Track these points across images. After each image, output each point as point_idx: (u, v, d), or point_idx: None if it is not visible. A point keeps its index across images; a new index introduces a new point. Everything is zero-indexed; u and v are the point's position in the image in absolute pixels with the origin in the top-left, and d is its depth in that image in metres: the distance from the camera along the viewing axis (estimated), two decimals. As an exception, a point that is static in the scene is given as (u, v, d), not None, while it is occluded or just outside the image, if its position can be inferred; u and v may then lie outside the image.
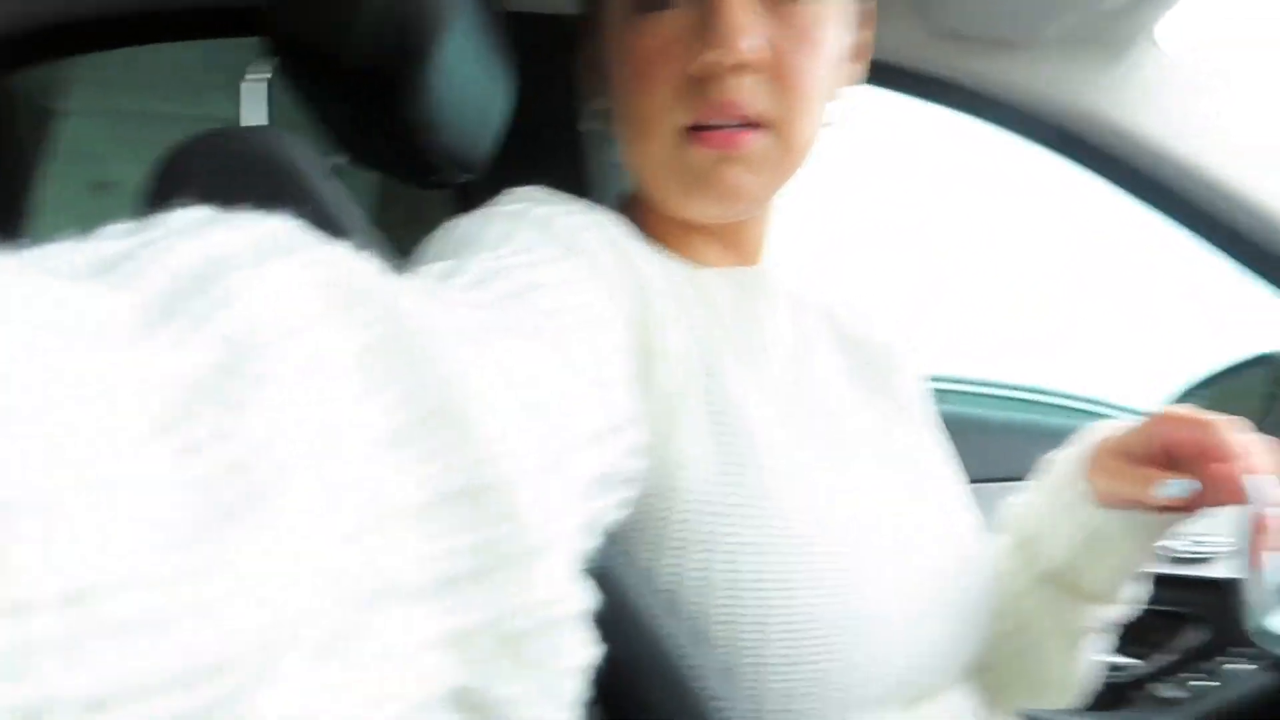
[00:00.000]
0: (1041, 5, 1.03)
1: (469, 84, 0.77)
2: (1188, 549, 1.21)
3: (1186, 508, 0.62)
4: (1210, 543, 1.21)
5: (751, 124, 0.58)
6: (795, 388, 0.67)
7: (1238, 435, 0.59)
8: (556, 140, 1.27)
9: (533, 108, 1.21)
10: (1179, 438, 0.61)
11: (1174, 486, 0.60)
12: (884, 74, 1.19)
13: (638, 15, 0.60)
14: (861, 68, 0.69)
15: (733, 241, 0.69)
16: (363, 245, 0.57)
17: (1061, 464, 0.70)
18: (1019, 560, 0.73)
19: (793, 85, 0.58)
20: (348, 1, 0.65)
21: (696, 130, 0.59)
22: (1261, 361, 1.31)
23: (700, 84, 0.58)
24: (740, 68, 0.56)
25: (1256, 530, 0.56)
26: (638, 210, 0.69)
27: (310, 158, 0.60)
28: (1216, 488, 0.59)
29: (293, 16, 0.66)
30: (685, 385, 0.57)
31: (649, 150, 0.61)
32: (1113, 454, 0.66)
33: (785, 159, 0.61)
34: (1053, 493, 0.70)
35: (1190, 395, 1.46)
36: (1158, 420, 0.63)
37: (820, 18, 0.59)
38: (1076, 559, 0.68)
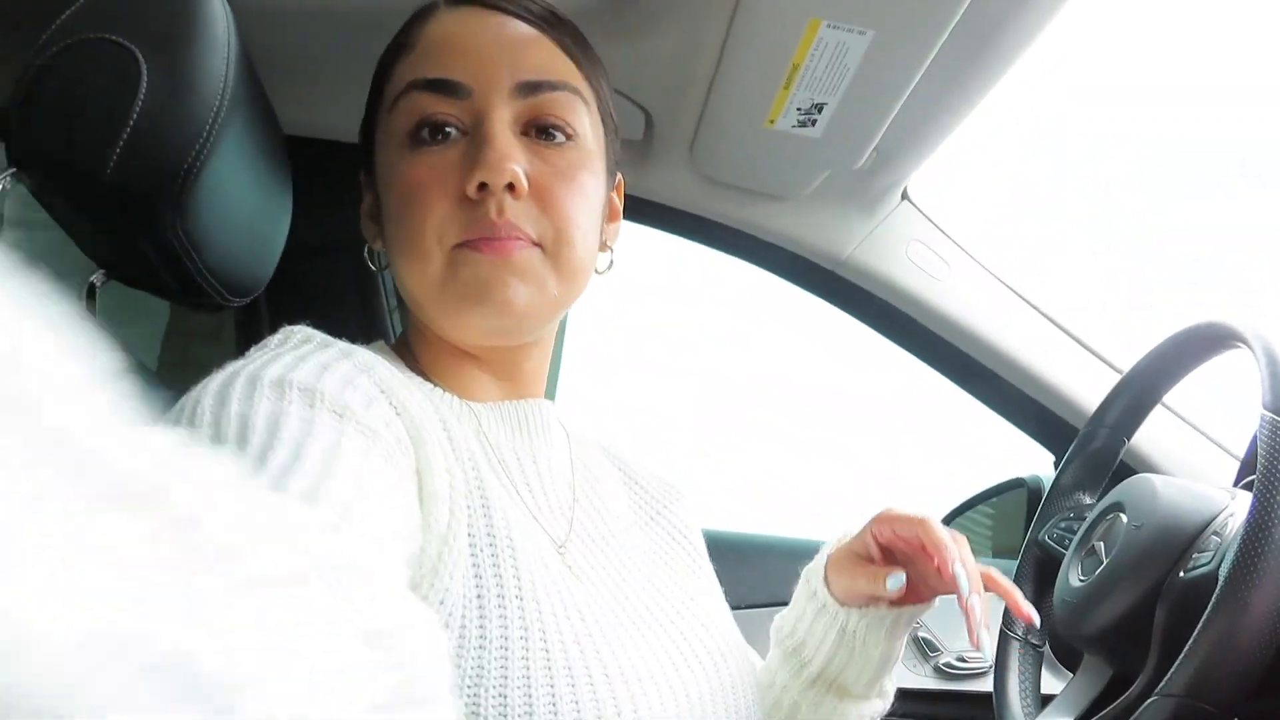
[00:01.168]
0: (801, 165, 1.13)
1: (239, 207, 0.74)
2: (959, 664, 1.27)
3: (917, 599, 0.70)
4: (975, 658, 1.29)
5: (521, 240, 0.62)
6: (572, 518, 0.68)
7: (943, 530, 0.67)
8: (344, 262, 1.25)
9: (318, 231, 1.19)
10: (896, 536, 0.68)
11: (894, 580, 0.66)
12: (659, 214, 1.27)
13: (410, 151, 0.64)
14: (618, 229, 0.75)
15: (508, 374, 0.70)
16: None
17: (809, 572, 0.76)
18: (789, 669, 0.76)
19: (556, 211, 0.63)
20: (106, 117, 0.62)
21: (470, 243, 0.62)
22: (1016, 485, 1.44)
23: (471, 206, 0.61)
24: (509, 189, 0.61)
25: (967, 615, 0.62)
26: (416, 346, 0.70)
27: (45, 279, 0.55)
28: (930, 579, 0.68)
29: (37, 129, 0.62)
30: (453, 524, 0.56)
31: (424, 270, 0.63)
32: (846, 556, 0.72)
33: (555, 280, 0.64)
34: (806, 599, 0.75)
35: (954, 516, 1.58)
36: (878, 520, 0.69)
37: (576, 162, 0.65)
38: (835, 658, 0.72)
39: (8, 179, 0.65)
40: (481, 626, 0.54)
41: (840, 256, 1.27)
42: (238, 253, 0.76)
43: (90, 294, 0.84)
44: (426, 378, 0.67)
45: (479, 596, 0.55)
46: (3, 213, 0.65)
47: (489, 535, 0.57)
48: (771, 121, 1.02)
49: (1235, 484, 0.88)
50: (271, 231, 0.82)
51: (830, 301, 1.32)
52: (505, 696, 0.53)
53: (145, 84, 0.62)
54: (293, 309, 1.24)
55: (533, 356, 0.71)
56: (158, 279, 0.81)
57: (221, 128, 0.65)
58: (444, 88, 0.63)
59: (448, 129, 0.63)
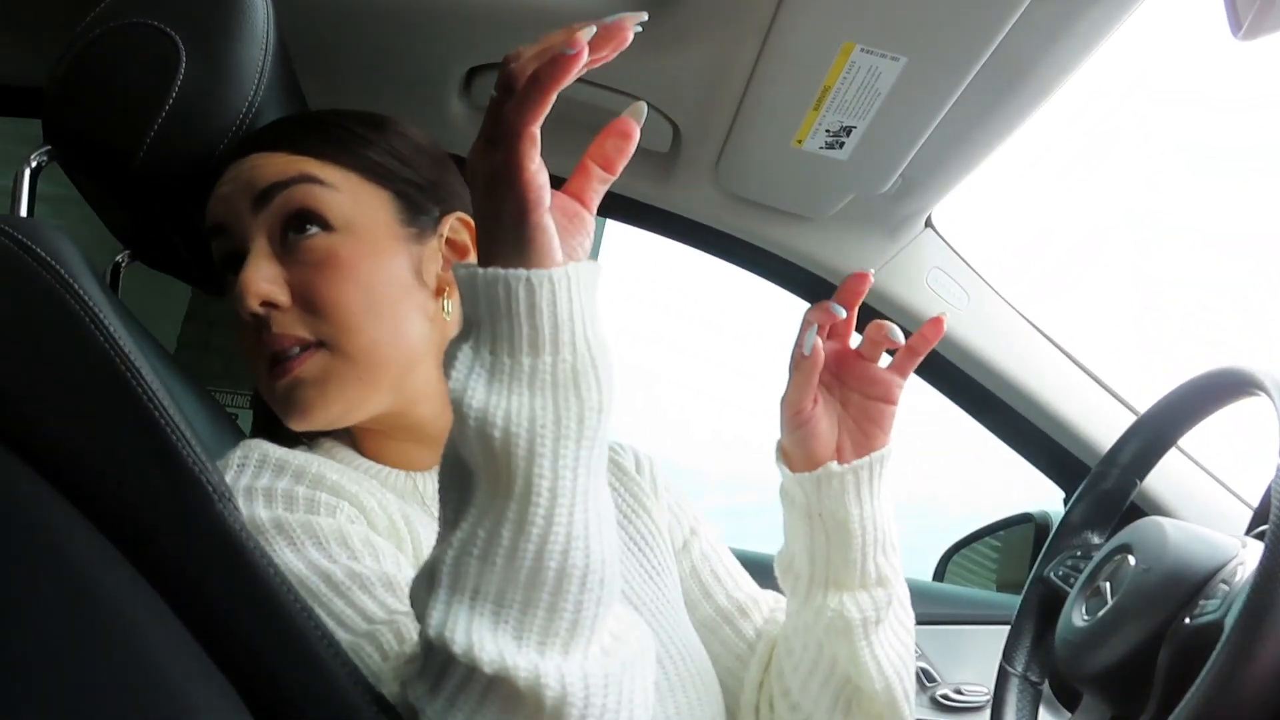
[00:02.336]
0: (826, 186, 1.13)
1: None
2: (956, 696, 1.26)
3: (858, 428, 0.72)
4: (974, 690, 1.28)
5: (308, 345, 0.68)
6: None
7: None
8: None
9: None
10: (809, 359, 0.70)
11: (807, 338, 0.68)
12: (681, 227, 1.27)
13: (229, 287, 0.70)
14: (451, 299, 0.75)
15: (423, 438, 0.75)
16: (128, 344, 0.55)
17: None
18: (790, 595, 0.75)
19: (324, 307, 0.67)
20: (142, 101, 0.63)
21: (271, 369, 0.69)
22: (1024, 520, 1.43)
23: (256, 333, 0.69)
24: (267, 312, 0.67)
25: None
26: (355, 435, 0.76)
27: (73, 253, 0.56)
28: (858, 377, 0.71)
29: (75, 109, 0.63)
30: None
31: (260, 387, 0.71)
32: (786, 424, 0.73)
33: (347, 370, 0.68)
34: (784, 510, 0.75)
35: (960, 547, 1.58)
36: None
37: (336, 248, 0.68)
38: (814, 547, 0.72)
39: (43, 157, 0.65)
40: None
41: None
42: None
43: (115, 273, 0.85)
44: (376, 460, 0.74)
45: None
46: (37, 189, 0.66)
47: None
48: (799, 142, 1.03)
49: (1247, 532, 0.87)
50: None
51: (847, 324, 1.31)
52: None
53: (184, 71, 0.63)
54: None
55: (417, 413, 0.73)
56: (182, 263, 0.81)
57: (255, 116, 0.65)
58: (212, 233, 0.71)
59: (235, 264, 0.69)
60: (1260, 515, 0.92)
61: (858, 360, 0.72)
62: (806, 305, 1.30)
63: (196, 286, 0.86)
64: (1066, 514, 1.00)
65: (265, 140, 0.69)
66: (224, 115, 0.64)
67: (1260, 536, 0.78)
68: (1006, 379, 1.27)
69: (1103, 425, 1.26)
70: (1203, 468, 1.25)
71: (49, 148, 0.65)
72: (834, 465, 0.70)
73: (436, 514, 0.65)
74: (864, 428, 0.71)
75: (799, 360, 0.69)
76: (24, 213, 0.67)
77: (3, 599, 0.50)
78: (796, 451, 0.72)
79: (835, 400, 0.72)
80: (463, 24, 0.99)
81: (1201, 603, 0.75)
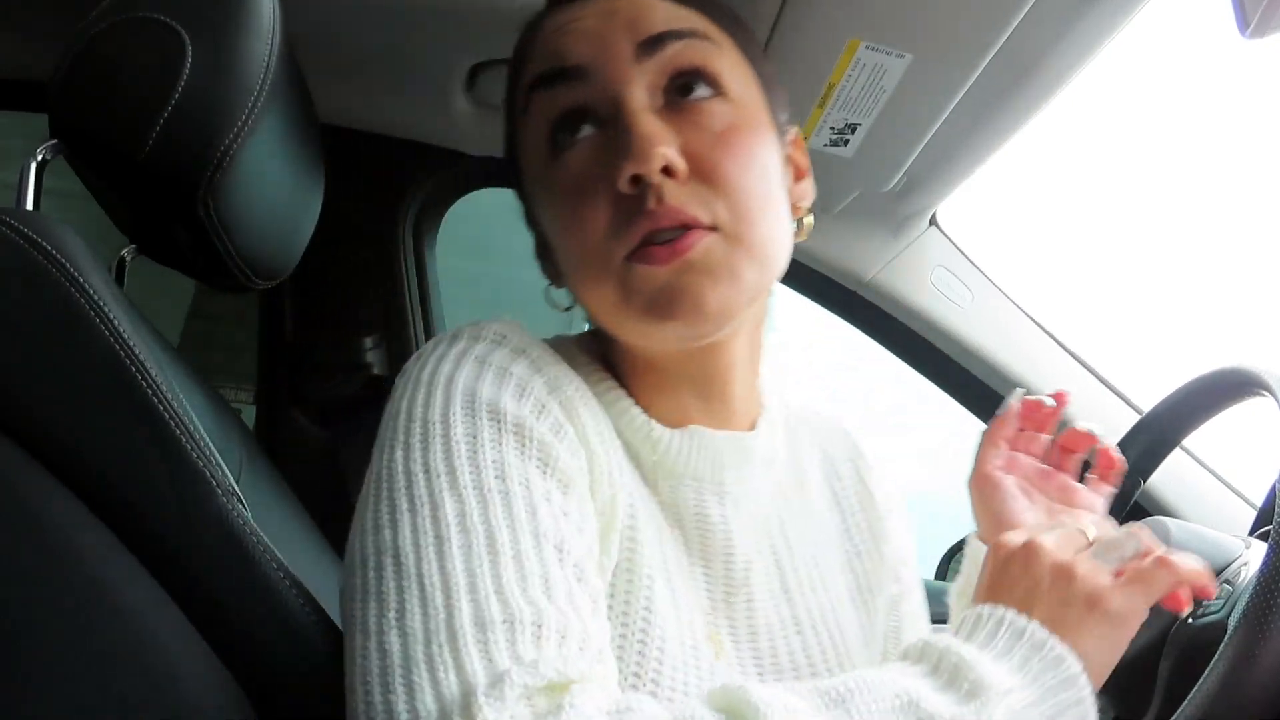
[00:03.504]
0: (830, 183, 1.13)
1: (271, 192, 0.75)
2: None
3: None
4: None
5: (693, 226, 0.54)
6: (749, 579, 0.63)
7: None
8: (367, 251, 1.26)
9: (345, 219, 1.20)
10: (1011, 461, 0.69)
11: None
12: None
13: (551, 159, 0.58)
14: (809, 186, 0.66)
15: (707, 389, 0.62)
16: (133, 339, 0.55)
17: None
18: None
19: (721, 183, 0.55)
20: (148, 95, 0.63)
21: (641, 253, 0.55)
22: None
23: (630, 205, 0.55)
24: (665, 172, 0.54)
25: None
26: (608, 349, 0.64)
27: (79, 247, 0.56)
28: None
29: (81, 103, 0.63)
30: (611, 562, 0.55)
31: (602, 292, 0.57)
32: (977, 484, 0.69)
33: (743, 264, 0.55)
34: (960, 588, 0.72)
35: (962, 546, 1.57)
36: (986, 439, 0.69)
37: (728, 117, 0.57)
38: None
39: (48, 151, 0.65)
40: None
41: (864, 277, 1.26)
42: (266, 237, 0.76)
43: (120, 268, 0.85)
44: (620, 382, 0.62)
45: (617, 634, 0.53)
46: (42, 184, 0.66)
47: (632, 582, 0.55)
48: (804, 139, 1.02)
49: (1251, 533, 0.87)
50: (301, 218, 0.83)
51: (850, 321, 1.31)
52: None
53: (189, 65, 0.63)
54: (316, 295, 1.26)
55: (732, 352, 0.62)
56: (186, 257, 0.81)
57: (260, 113, 0.65)
58: (561, 76, 0.57)
59: (583, 124, 0.57)
60: (1264, 515, 0.92)
61: (1052, 475, 0.69)
62: (808, 303, 1.31)
63: (201, 281, 0.86)
64: (1070, 513, 0.99)
65: None
66: (229, 110, 0.64)
67: (1264, 537, 0.78)
68: (1009, 377, 1.27)
69: (1106, 424, 1.25)
70: (1207, 468, 1.25)
71: (55, 142, 0.65)
72: None
73: (670, 515, 0.59)
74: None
75: (979, 481, 0.66)
76: (30, 207, 0.67)
77: (8, 592, 0.50)
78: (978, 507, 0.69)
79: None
80: (467, 20, 0.99)
81: (1204, 603, 0.75)
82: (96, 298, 0.55)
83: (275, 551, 0.55)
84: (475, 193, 1.33)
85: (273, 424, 1.28)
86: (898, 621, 0.74)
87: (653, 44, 0.57)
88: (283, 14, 0.70)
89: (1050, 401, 0.66)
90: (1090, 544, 0.54)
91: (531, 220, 0.65)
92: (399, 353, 1.26)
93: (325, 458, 1.26)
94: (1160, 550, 0.51)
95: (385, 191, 1.26)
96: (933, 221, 1.27)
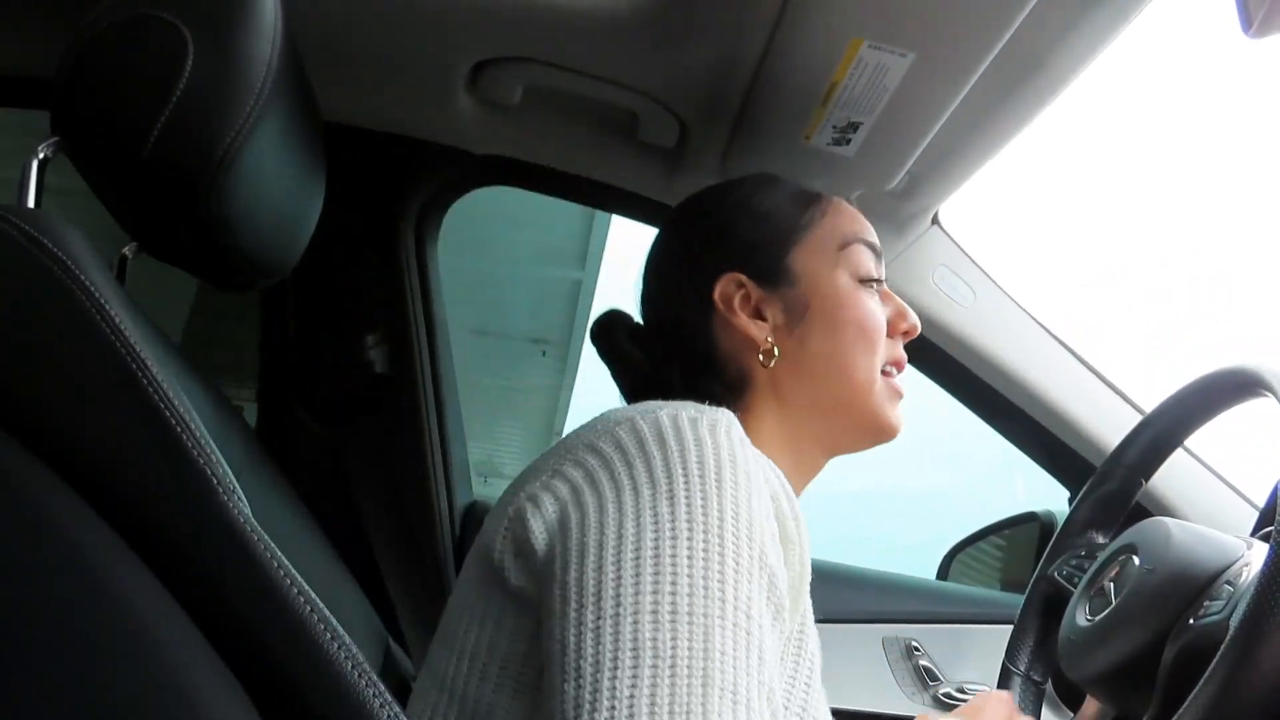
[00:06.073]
0: (832, 183, 1.12)
1: (274, 190, 0.75)
2: (959, 695, 1.26)
3: None
4: (976, 690, 1.27)
5: None
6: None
7: None
8: (369, 249, 1.26)
9: (347, 217, 1.20)
10: None
11: None
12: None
13: (859, 287, 0.80)
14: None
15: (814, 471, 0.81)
16: (135, 337, 0.55)
17: None
18: None
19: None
20: (150, 93, 0.63)
21: (887, 372, 0.80)
22: (1028, 519, 1.43)
23: (893, 344, 0.81)
24: None
25: None
26: (762, 427, 0.77)
27: (81, 245, 0.56)
28: None
29: (82, 100, 0.63)
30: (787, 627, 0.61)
31: (868, 384, 0.78)
32: None
33: None
34: None
35: (965, 546, 1.57)
36: None
37: None
38: None
39: (50, 149, 0.66)
40: (788, 696, 0.62)
41: (866, 277, 1.26)
42: (269, 234, 0.76)
43: (121, 266, 0.85)
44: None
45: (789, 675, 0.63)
46: (44, 181, 0.66)
47: (801, 624, 0.63)
48: (806, 138, 1.02)
49: (1253, 533, 0.87)
50: (303, 215, 0.83)
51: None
52: None
53: (191, 63, 0.63)
54: (318, 293, 1.26)
55: None
56: (189, 255, 0.82)
57: (262, 111, 0.65)
58: (877, 255, 0.84)
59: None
60: (1266, 516, 0.91)
61: None
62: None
63: (203, 279, 0.86)
64: (1071, 513, 0.99)
65: None
66: (231, 107, 0.64)
67: (1266, 538, 0.78)
68: (1011, 376, 1.27)
69: (1108, 424, 1.26)
70: (1209, 468, 1.25)
71: (57, 139, 0.65)
72: None
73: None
74: None
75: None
76: (31, 204, 0.67)
77: (13, 591, 0.50)
78: None
79: None
80: (470, 18, 0.98)
81: (1206, 604, 0.75)
82: (98, 295, 0.55)
83: (277, 549, 0.55)
84: (475, 192, 1.33)
85: (274, 422, 1.28)
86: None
87: None
88: (285, 11, 0.70)
89: None
90: None
91: (769, 285, 0.82)
92: (401, 350, 1.26)
93: (327, 456, 1.26)
94: None
95: (387, 189, 1.26)
96: (935, 221, 1.27)
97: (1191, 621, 0.74)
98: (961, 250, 1.28)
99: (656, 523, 0.53)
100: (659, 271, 0.85)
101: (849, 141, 1.02)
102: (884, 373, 0.79)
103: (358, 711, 0.52)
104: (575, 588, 0.52)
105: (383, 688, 0.53)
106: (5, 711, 0.48)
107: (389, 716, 0.52)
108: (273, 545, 0.55)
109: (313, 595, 0.55)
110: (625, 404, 0.74)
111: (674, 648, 0.49)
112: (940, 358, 1.28)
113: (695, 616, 0.50)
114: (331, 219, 0.88)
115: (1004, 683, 0.95)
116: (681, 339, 0.80)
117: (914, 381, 1.34)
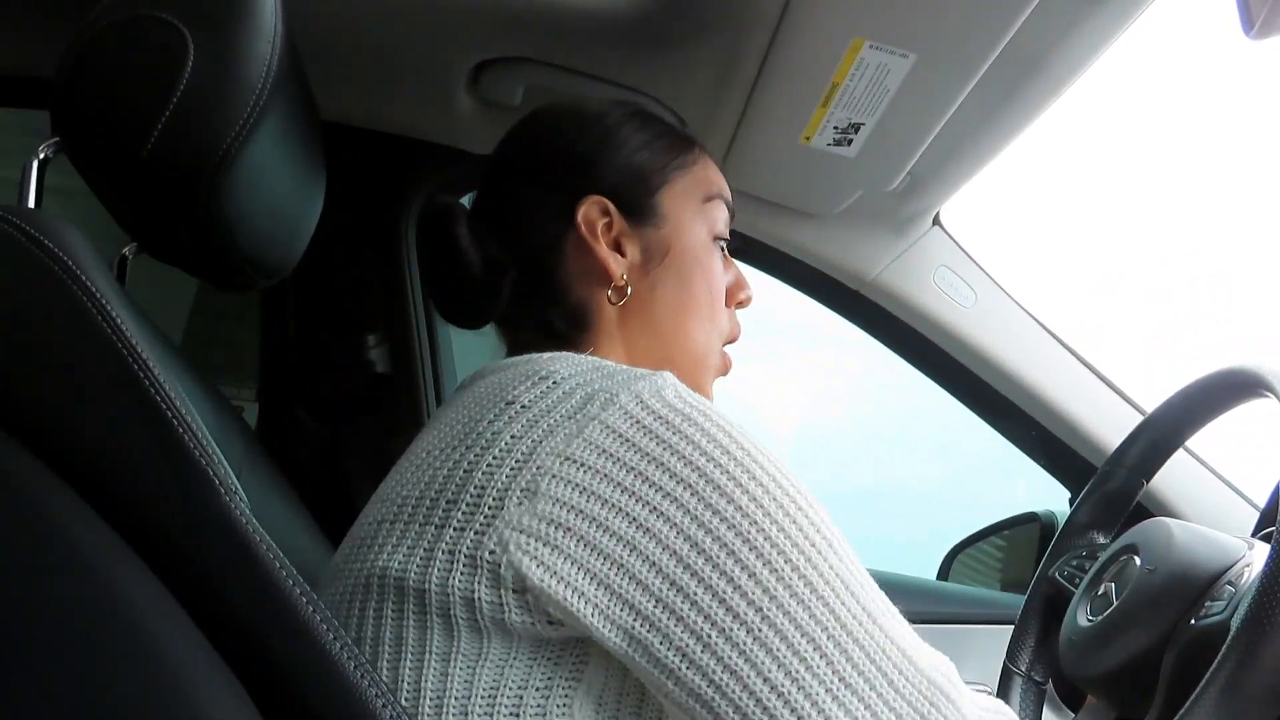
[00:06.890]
0: (833, 183, 1.13)
1: (274, 190, 0.75)
2: None
3: None
4: (977, 690, 1.28)
5: None
6: None
7: None
8: (369, 249, 1.26)
9: (347, 217, 1.20)
10: None
11: None
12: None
13: (716, 248, 0.78)
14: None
15: None
16: (135, 337, 0.55)
17: None
18: None
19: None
20: (150, 93, 0.63)
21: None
22: (1029, 519, 1.43)
23: (731, 315, 0.81)
24: None
25: None
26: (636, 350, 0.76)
27: (81, 245, 0.56)
28: None
29: (82, 100, 0.63)
30: None
31: (708, 347, 0.77)
32: None
33: None
34: None
35: (965, 546, 1.57)
36: None
37: None
38: None
39: (50, 149, 0.65)
40: None
41: (866, 277, 1.26)
42: (269, 234, 0.76)
43: (122, 266, 0.85)
44: None
45: None
46: (44, 182, 0.66)
47: None
48: (807, 139, 1.02)
49: (1254, 534, 0.87)
50: (303, 215, 0.83)
51: (853, 321, 1.31)
52: None
53: (191, 63, 0.63)
54: (319, 293, 1.26)
55: None
56: (189, 255, 0.81)
57: (262, 111, 0.65)
58: (731, 219, 0.81)
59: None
60: (1267, 517, 0.91)
61: None
62: (811, 301, 1.31)
63: (203, 279, 0.86)
64: (1072, 514, 0.99)
65: None
66: (232, 108, 0.64)
67: (1267, 538, 0.78)
68: (1012, 377, 1.27)
69: (1109, 425, 1.26)
70: (1210, 469, 1.25)
71: (57, 139, 0.65)
72: None
73: None
74: None
75: None
76: (32, 204, 0.67)
77: (13, 591, 0.50)
78: None
79: None
80: (471, 18, 0.99)
81: (1207, 604, 0.75)
82: (98, 295, 0.55)
83: (277, 549, 0.55)
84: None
85: (275, 422, 1.28)
86: None
87: None
88: (285, 11, 0.70)
89: None
90: None
91: (638, 240, 0.77)
92: (401, 350, 1.26)
93: (327, 456, 1.26)
94: None
95: (388, 190, 1.26)
96: (936, 221, 1.27)
97: (1193, 622, 0.74)
98: (963, 251, 1.28)
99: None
100: (512, 184, 0.77)
101: (850, 142, 1.02)
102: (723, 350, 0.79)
103: (359, 710, 0.52)
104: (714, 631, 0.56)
105: (384, 686, 0.53)
106: (5, 711, 0.48)
107: (391, 715, 0.52)
108: (273, 545, 0.55)
109: (313, 595, 0.55)
110: (442, 314, 0.82)
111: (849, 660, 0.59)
112: (941, 358, 1.28)
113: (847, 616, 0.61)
114: (331, 219, 0.88)
115: (1004, 683, 0.95)
116: (529, 250, 0.73)
117: (914, 381, 1.34)
